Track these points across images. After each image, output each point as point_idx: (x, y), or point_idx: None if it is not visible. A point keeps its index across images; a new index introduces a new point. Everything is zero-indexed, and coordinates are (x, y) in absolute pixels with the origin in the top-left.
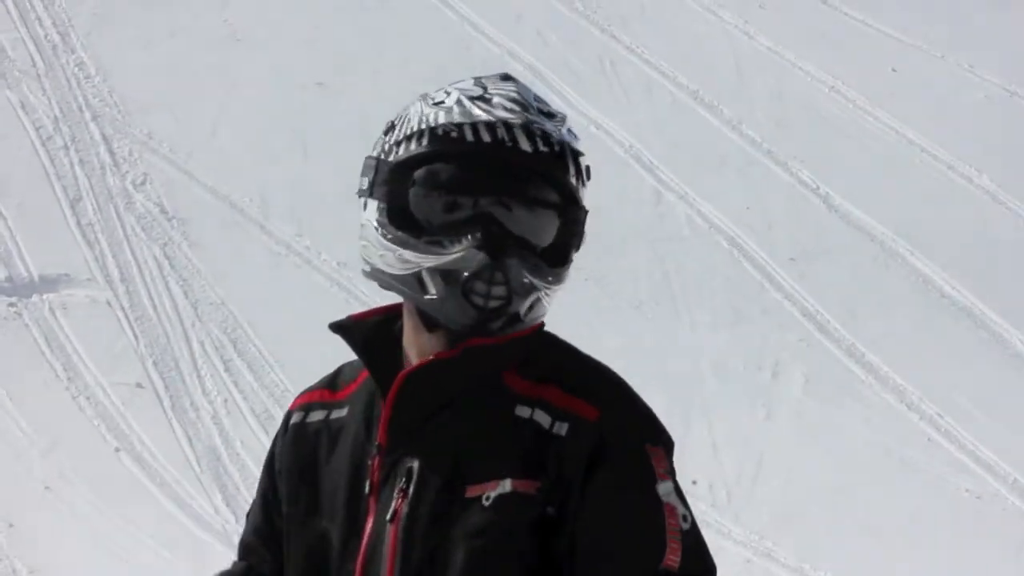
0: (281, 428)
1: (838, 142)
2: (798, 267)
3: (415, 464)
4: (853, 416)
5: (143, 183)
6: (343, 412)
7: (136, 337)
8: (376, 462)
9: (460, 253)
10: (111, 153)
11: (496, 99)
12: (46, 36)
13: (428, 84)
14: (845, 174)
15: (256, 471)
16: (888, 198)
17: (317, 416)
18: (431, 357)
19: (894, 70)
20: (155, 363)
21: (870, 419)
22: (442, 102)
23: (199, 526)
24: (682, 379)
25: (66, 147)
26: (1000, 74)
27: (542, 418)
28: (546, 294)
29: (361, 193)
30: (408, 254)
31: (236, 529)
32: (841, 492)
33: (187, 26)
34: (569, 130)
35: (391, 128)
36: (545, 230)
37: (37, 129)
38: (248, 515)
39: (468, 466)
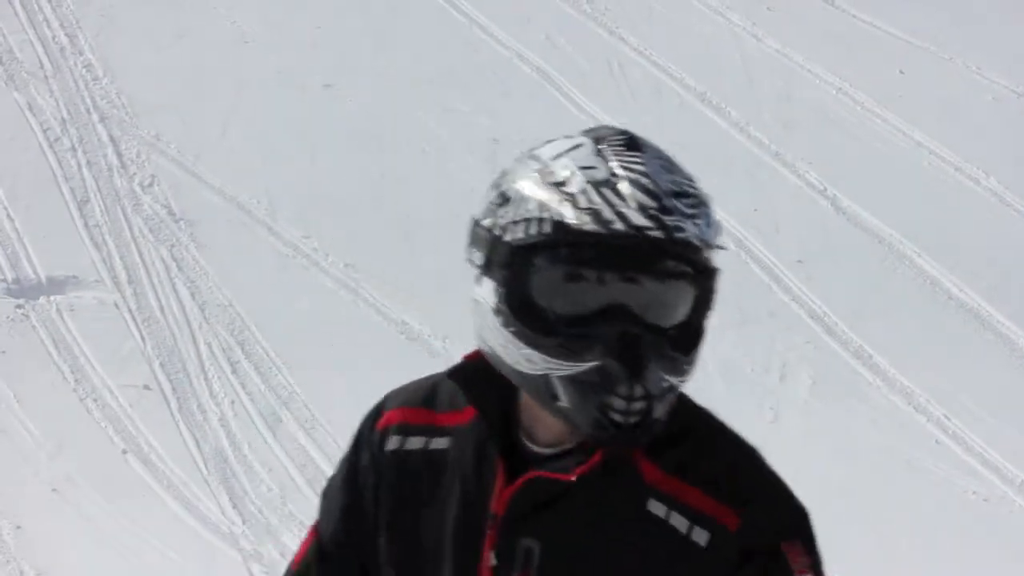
0: (374, 441)
1: (846, 144)
2: (805, 269)
3: (536, 548)
4: (860, 418)
5: (151, 185)
6: (444, 443)
7: (143, 339)
8: (493, 533)
9: (594, 363)
10: (119, 155)
11: (624, 187)
12: (54, 38)
13: (436, 86)
14: (853, 176)
15: (263, 473)
16: (896, 200)
17: (416, 443)
18: (572, 477)
19: (902, 72)
20: (162, 365)
21: (877, 421)
22: (563, 184)
23: (206, 528)
24: (690, 381)
25: (73, 149)
26: (1009, 76)
27: (679, 522)
28: (682, 383)
29: (474, 266)
30: (535, 355)
31: (243, 531)
32: (848, 494)
33: (195, 28)
34: (702, 201)
35: (504, 200)
36: (678, 306)
37: (45, 131)
38: (323, 507)
39: (595, 562)
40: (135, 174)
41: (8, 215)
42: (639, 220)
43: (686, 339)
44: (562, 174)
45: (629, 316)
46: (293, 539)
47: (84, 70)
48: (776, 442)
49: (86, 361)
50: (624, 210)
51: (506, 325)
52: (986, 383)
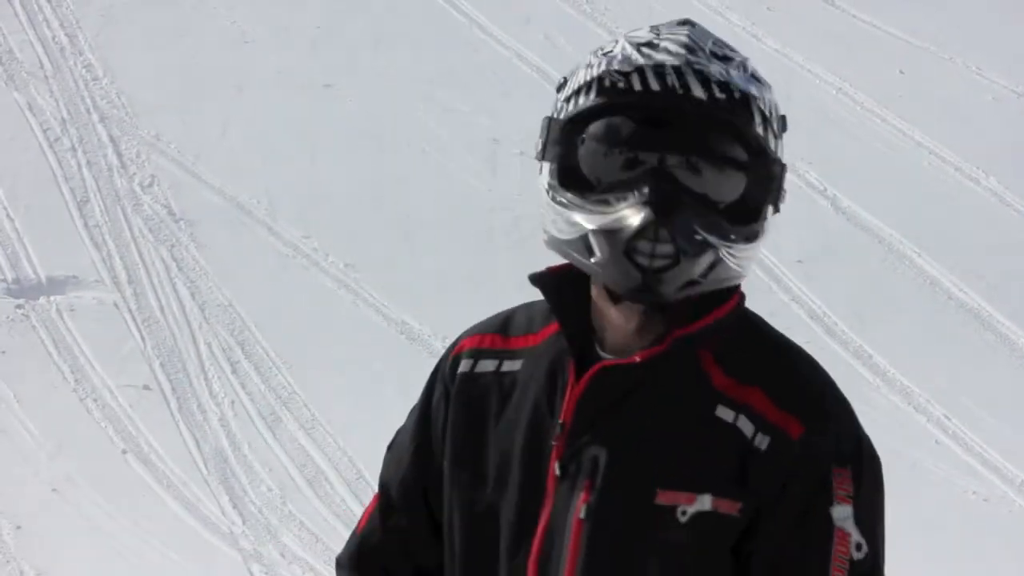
0: (446, 371)
1: (846, 144)
2: (805, 269)
3: (602, 455)
4: (860, 418)
5: (151, 185)
6: (516, 365)
7: (143, 339)
8: (560, 443)
9: (624, 210)
10: (119, 155)
11: (664, 43)
12: (54, 38)
13: (436, 86)
14: (852, 176)
15: (263, 473)
16: (896, 200)
17: (488, 366)
18: (636, 358)
19: (902, 72)
20: (162, 365)
21: (877, 421)
22: (610, 51)
23: (206, 528)
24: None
25: (73, 149)
26: (1008, 76)
27: (746, 426)
28: (729, 253)
29: (536, 156)
30: (576, 216)
31: (243, 531)
32: None
33: (195, 28)
34: (752, 74)
35: (563, 84)
36: (726, 186)
37: (44, 131)
38: (388, 460)
39: (662, 467)
40: (135, 174)
41: (8, 215)
42: (667, 59)
43: (739, 210)
44: (611, 45)
45: (667, 178)
46: (293, 539)
47: (84, 70)
48: None
49: (86, 361)
50: (659, 56)
51: (555, 199)
52: (986, 383)
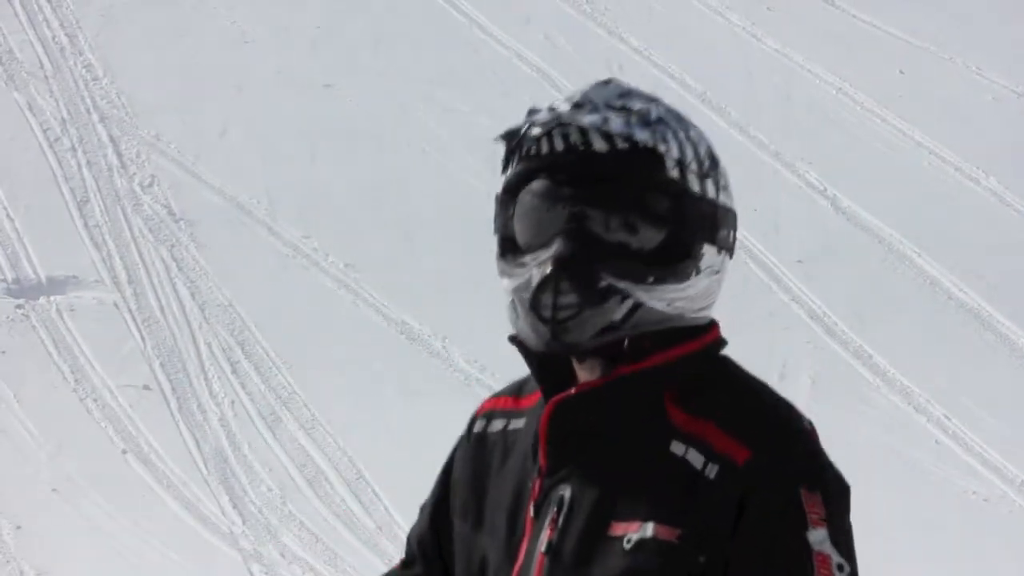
0: (464, 434)
1: (846, 144)
2: (805, 269)
3: (567, 493)
4: (860, 418)
5: (151, 185)
6: (521, 423)
7: (143, 339)
8: (537, 484)
9: (532, 269)
10: (119, 155)
11: (573, 104)
12: (54, 38)
13: (436, 86)
14: (852, 176)
15: (263, 473)
16: (896, 200)
17: (498, 425)
18: (576, 388)
19: (902, 72)
20: (162, 365)
21: (877, 421)
22: (553, 108)
23: (206, 528)
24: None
25: (74, 149)
26: (1008, 76)
27: (695, 458)
28: (651, 296)
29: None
30: (505, 283)
31: (243, 531)
32: None
33: (195, 27)
34: (661, 119)
35: (509, 148)
36: (642, 232)
37: (45, 131)
38: (418, 516)
39: (617, 501)
40: (135, 174)
41: (8, 215)
42: (580, 121)
43: (663, 253)
44: (534, 114)
45: (578, 234)
46: (293, 539)
47: (84, 70)
48: None
49: (86, 361)
50: (566, 117)
51: (497, 270)
52: (986, 383)
